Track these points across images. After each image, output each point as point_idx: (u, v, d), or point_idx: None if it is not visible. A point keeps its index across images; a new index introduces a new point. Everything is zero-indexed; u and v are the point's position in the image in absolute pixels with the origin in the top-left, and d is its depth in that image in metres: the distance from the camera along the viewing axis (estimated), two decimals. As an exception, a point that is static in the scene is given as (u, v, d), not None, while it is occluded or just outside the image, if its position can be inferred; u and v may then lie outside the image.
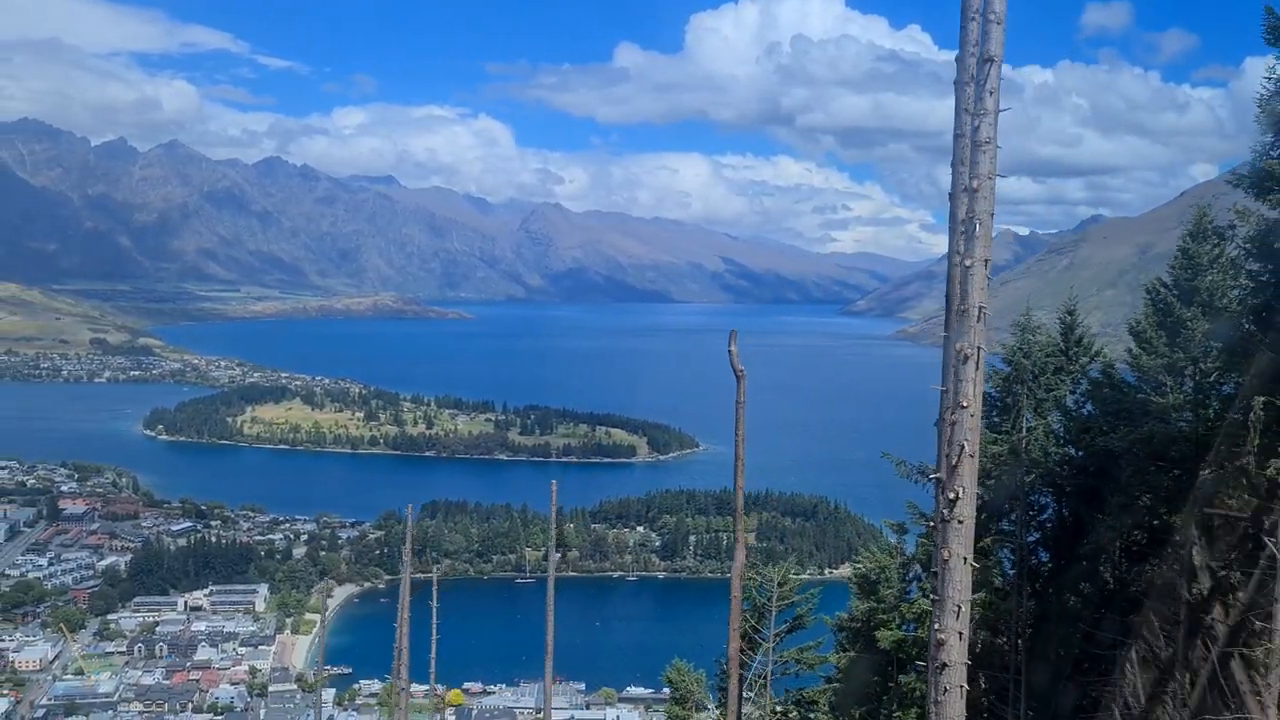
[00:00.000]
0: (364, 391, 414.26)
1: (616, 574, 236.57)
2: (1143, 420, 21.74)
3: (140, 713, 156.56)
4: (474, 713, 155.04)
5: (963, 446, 9.77)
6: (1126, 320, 25.08)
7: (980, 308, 9.74)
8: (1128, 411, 22.45)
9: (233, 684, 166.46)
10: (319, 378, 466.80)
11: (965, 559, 9.85)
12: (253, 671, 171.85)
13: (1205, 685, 21.81)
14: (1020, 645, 24.88)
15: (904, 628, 26.52)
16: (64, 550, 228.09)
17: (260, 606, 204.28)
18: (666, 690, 35.31)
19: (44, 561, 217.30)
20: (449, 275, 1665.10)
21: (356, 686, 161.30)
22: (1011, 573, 25.13)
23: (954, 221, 10.46)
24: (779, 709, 30.96)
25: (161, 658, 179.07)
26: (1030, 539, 25.35)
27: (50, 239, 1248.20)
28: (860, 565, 29.19)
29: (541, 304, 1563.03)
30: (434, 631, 31.01)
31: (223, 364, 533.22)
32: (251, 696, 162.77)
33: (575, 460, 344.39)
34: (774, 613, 29.58)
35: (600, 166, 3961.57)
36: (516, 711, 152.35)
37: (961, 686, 9.95)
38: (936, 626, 9.99)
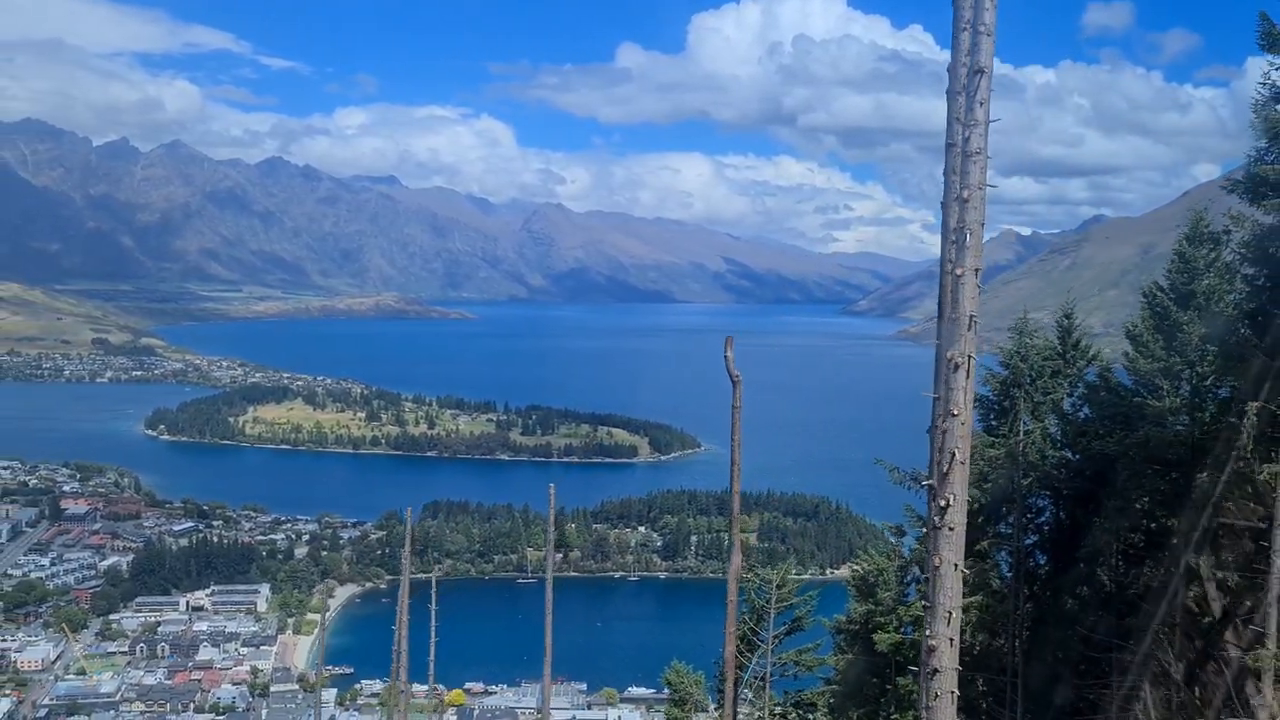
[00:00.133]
0: (366, 391, 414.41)
1: (618, 574, 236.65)
2: (1139, 424, 21.80)
3: (142, 713, 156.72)
4: (475, 713, 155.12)
5: (954, 454, 9.85)
6: (1125, 322, 25.12)
7: (971, 316, 9.80)
8: (1124, 415, 22.51)
9: (234, 684, 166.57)
10: (321, 378, 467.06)
11: (956, 566, 9.93)
12: (254, 672, 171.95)
13: (1203, 688, 21.90)
14: (1018, 647, 24.93)
15: (902, 630, 26.59)
16: (66, 550, 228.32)
17: (262, 606, 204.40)
18: (667, 691, 35.40)
19: (46, 561, 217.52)
20: (451, 275, 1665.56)
21: (358, 686, 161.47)
22: (1009, 575, 25.19)
23: (946, 230, 10.55)
24: (778, 711, 31.03)
25: (163, 658, 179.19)
26: (1028, 542, 25.40)
27: (52, 239, 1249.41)
28: (858, 568, 29.25)
29: (543, 304, 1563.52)
30: (432, 634, 31.07)
31: (224, 364, 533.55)
32: (253, 697, 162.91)
33: (577, 460, 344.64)
34: (773, 615, 29.66)
35: (602, 166, 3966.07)
36: (518, 712, 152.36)
37: (953, 692, 10.03)
38: (928, 633, 10.07)
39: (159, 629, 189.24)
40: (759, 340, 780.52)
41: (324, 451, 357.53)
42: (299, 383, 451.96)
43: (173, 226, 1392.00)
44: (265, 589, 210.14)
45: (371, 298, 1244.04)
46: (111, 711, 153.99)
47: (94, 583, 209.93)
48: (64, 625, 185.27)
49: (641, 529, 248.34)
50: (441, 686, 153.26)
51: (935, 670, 10.00)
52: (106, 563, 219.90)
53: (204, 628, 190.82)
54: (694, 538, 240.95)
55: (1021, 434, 24.06)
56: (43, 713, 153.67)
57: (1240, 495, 18.62)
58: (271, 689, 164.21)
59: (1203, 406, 21.50)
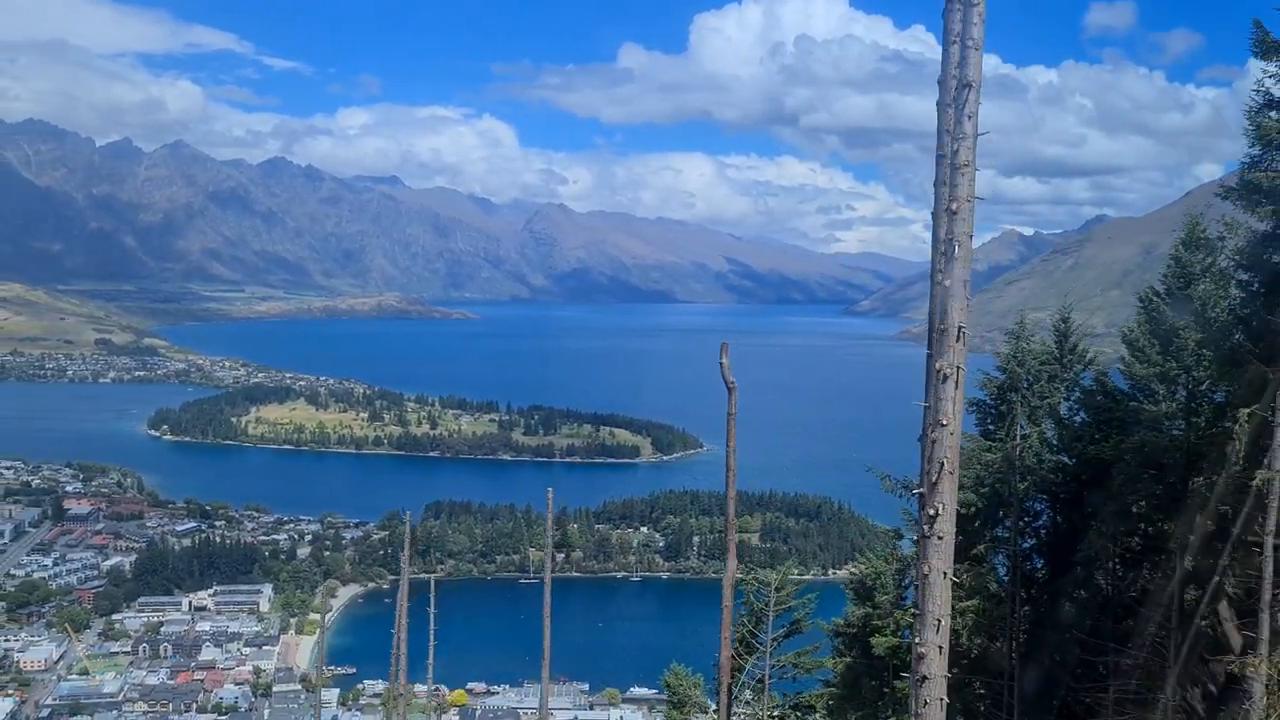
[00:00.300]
0: (368, 392, 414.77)
1: (620, 574, 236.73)
2: (1135, 429, 21.88)
3: (145, 713, 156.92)
4: (478, 713, 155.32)
5: (942, 464, 9.94)
6: (1122, 326, 25.19)
7: (959, 327, 9.89)
8: (1120, 420, 22.58)
9: (237, 684, 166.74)
10: (323, 378, 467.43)
11: (945, 574, 10.02)
12: (257, 672, 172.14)
13: (1199, 691, 21.98)
14: (1015, 651, 25.02)
15: (900, 634, 26.66)
16: (69, 550, 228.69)
17: (264, 607, 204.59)
18: (666, 694, 35.50)
19: (49, 561, 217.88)
20: (453, 275, 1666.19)
21: (360, 687, 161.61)
22: (1006, 579, 25.27)
23: (936, 241, 10.65)
24: (777, 713, 31.11)
25: (166, 658, 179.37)
26: (1025, 546, 25.51)
27: (55, 239, 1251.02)
28: (856, 571, 29.33)
29: (545, 304, 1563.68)
30: (431, 637, 31.18)
31: (227, 364, 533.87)
32: (256, 697, 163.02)
33: (579, 460, 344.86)
34: (772, 617, 29.74)
35: (604, 167, 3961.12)
36: (520, 712, 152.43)
37: (941, 699, 10.12)
38: (917, 640, 10.16)
39: (162, 629, 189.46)
40: (761, 340, 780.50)
41: (326, 452, 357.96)
42: (301, 383, 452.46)
43: (175, 227, 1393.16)
44: (268, 589, 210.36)
45: (374, 298, 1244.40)
46: (114, 711, 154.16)
47: (97, 583, 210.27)
48: (67, 625, 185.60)
49: (644, 529, 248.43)
50: (444, 687, 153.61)
51: (924, 677, 10.10)
52: (109, 563, 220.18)
53: (206, 628, 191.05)
54: (696, 538, 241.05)
55: (1018, 438, 24.14)
56: (45, 713, 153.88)
57: (1234, 499, 18.68)
58: (274, 689, 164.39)
59: (1199, 411, 21.57)
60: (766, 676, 29.57)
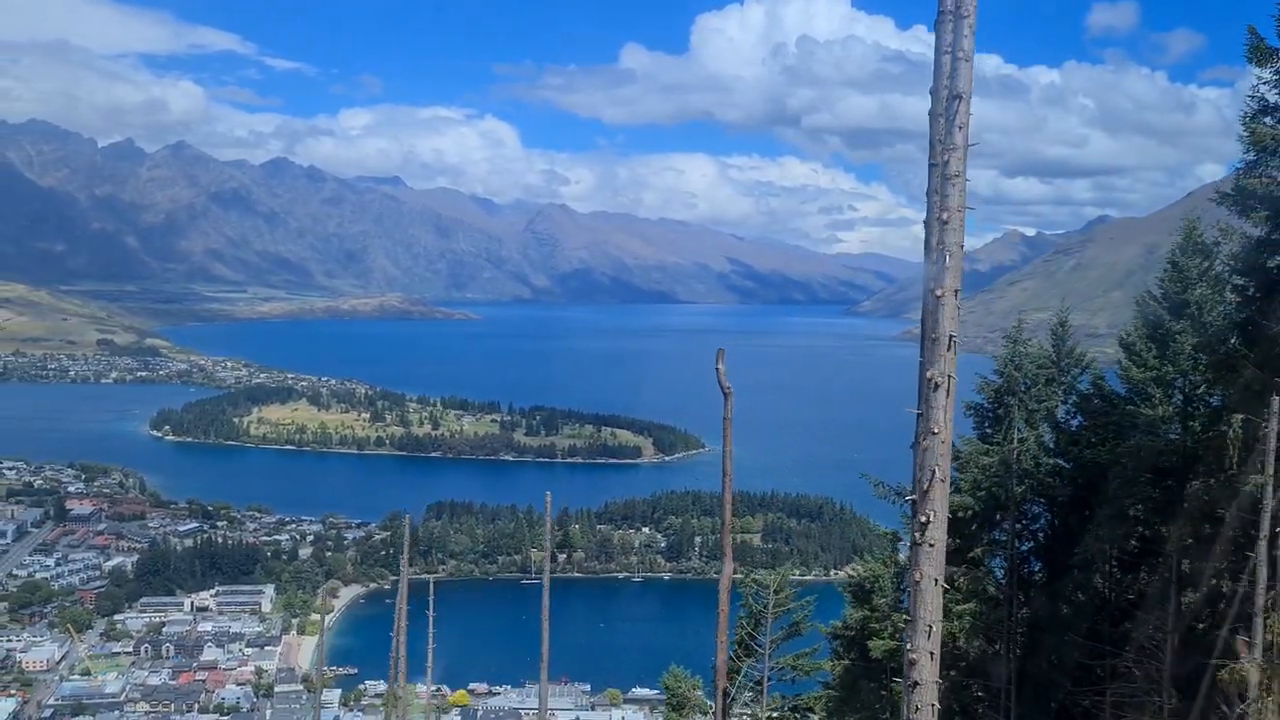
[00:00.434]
0: (370, 392, 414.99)
1: (622, 575, 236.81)
2: (1131, 433, 21.96)
3: (146, 713, 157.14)
4: (480, 713, 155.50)
5: (934, 472, 10.03)
6: (1122, 329, 25.25)
7: (951, 336, 9.98)
8: (1116, 424, 22.66)
9: (239, 684, 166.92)
10: (325, 378, 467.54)
11: (936, 581, 10.11)
12: (259, 672, 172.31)
13: (1196, 695, 22.03)
14: (1013, 653, 25.09)
15: (898, 637, 26.71)
16: (71, 551, 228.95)
17: (266, 607, 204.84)
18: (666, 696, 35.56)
19: (51, 562, 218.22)
20: (455, 276, 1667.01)
21: (362, 687, 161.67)
22: (1004, 582, 25.34)
23: (929, 250, 10.72)
24: (775, 716, 31.17)
25: (168, 658, 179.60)
26: (1023, 549, 25.58)
27: (58, 240, 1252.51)
28: (855, 573, 29.39)
29: (547, 305, 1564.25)
30: (430, 640, 31.27)
31: (229, 365, 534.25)
32: (258, 697, 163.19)
33: (581, 461, 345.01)
34: (770, 619, 29.80)
35: (606, 167, 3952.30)
36: (522, 713, 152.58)
37: (933, 705, 10.20)
38: (909, 646, 10.24)
39: (164, 629, 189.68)
40: (763, 341, 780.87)
41: (328, 452, 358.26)
42: (303, 383, 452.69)
43: (178, 227, 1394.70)
44: (270, 589, 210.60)
45: (376, 298, 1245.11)
46: (116, 712, 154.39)
47: (99, 583, 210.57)
48: (69, 626, 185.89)
49: (645, 530, 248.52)
50: (445, 687, 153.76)
51: (916, 683, 10.18)
52: (111, 563, 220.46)
53: (208, 628, 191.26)
54: (698, 539, 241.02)
55: (1016, 442, 24.21)
56: (48, 713, 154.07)
57: (1229, 503, 18.75)
58: (276, 689, 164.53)
59: (1195, 415, 21.66)
60: (765, 679, 29.63)
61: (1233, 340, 18.99)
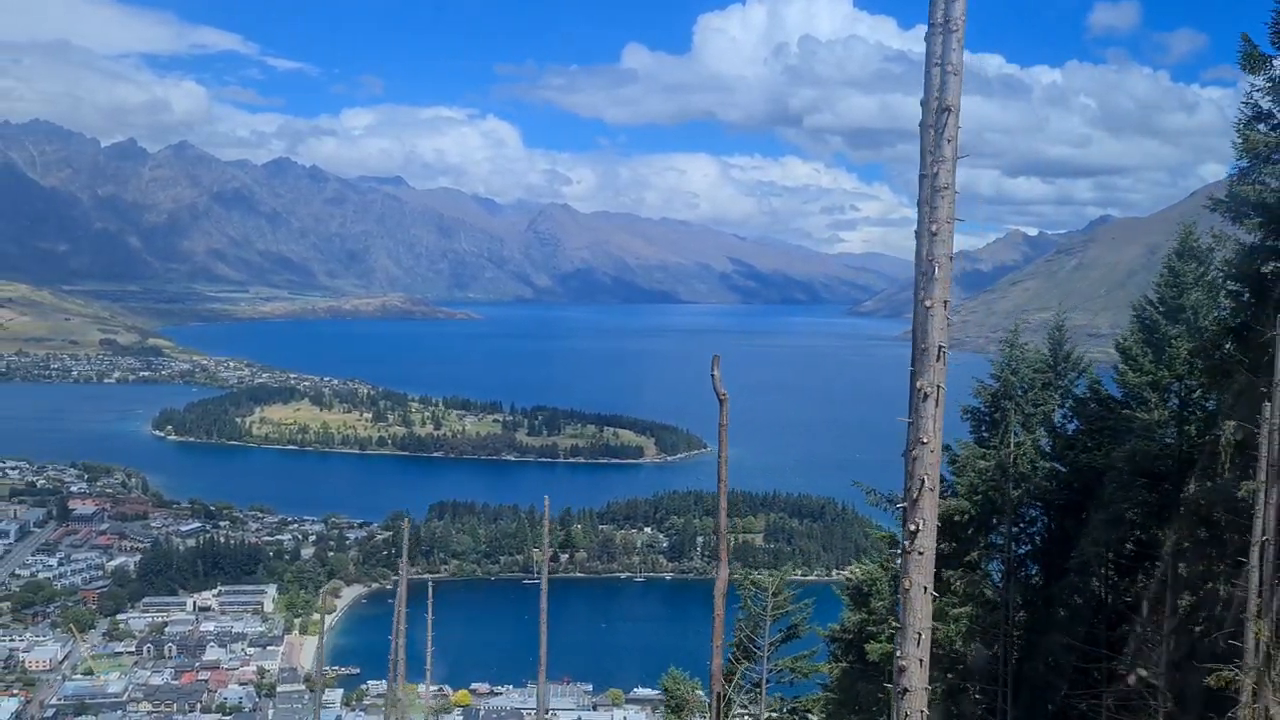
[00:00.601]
0: (372, 392, 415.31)
1: (624, 575, 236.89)
2: (1127, 437, 22.04)
3: (149, 713, 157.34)
4: (481, 713, 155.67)
5: (923, 480, 10.13)
6: (1119, 332, 25.31)
7: (940, 347, 10.07)
8: (1112, 428, 22.74)
9: (241, 684, 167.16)
10: (327, 378, 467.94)
11: (926, 588, 10.21)
12: (261, 672, 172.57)
13: (1192, 695, 22.11)
14: (1010, 657, 25.16)
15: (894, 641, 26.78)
16: (73, 550, 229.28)
17: (268, 607, 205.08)
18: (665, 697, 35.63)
19: (54, 562, 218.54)
20: (457, 276, 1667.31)
21: (364, 687, 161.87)
22: (1001, 585, 25.42)
23: (919, 259, 10.82)
24: (774, 717, 31.25)
25: (170, 658, 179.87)
26: (1019, 552, 25.65)
27: (60, 240, 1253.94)
28: (852, 576, 29.46)
29: (549, 304, 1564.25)
30: (429, 641, 31.39)
31: (231, 365, 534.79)
32: (260, 697, 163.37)
33: (583, 461, 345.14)
34: (769, 622, 29.89)
35: (608, 167, 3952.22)
36: (523, 712, 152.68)
37: (923, 711, 10.30)
38: (899, 653, 10.34)
39: (166, 629, 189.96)
40: (765, 341, 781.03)
41: (330, 452, 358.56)
42: (305, 383, 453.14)
43: (180, 227, 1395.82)
44: (272, 589, 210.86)
45: (378, 298, 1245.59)
46: (118, 711, 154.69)
47: (101, 583, 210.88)
48: (71, 625, 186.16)
49: (648, 530, 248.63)
50: (447, 687, 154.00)
51: (906, 690, 10.28)
52: (114, 563, 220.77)
53: (211, 628, 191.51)
54: (700, 539, 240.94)
55: (1012, 445, 24.28)
56: (50, 712, 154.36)
57: (1224, 507, 18.83)
58: (278, 689, 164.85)
59: (1190, 419, 21.73)
60: (764, 681, 29.72)
61: (1227, 345, 19.07)
